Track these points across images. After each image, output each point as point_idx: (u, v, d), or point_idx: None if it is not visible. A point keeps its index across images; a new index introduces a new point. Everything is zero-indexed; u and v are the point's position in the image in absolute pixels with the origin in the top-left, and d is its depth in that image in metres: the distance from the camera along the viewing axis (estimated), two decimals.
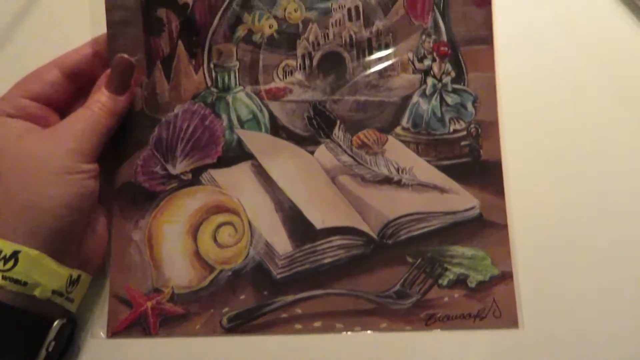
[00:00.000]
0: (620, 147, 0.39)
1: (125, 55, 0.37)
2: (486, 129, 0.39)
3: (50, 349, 0.33)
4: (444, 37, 0.39)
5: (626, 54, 0.40)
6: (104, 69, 0.38)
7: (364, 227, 0.38)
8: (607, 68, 0.39)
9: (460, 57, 0.39)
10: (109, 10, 0.39)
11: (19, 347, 0.33)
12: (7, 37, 0.43)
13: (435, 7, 0.39)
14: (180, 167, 0.39)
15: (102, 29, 0.39)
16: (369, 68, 0.39)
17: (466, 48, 0.39)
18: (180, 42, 0.40)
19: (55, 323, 0.34)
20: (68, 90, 0.38)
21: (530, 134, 0.39)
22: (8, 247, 0.31)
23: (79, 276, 0.35)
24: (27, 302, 0.32)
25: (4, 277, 0.31)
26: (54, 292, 0.33)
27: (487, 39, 0.39)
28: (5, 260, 0.31)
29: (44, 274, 0.33)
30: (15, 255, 0.31)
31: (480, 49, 0.39)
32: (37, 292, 0.32)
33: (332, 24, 0.39)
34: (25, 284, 0.32)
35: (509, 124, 0.39)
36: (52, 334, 0.34)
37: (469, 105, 0.39)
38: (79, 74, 0.38)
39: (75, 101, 0.39)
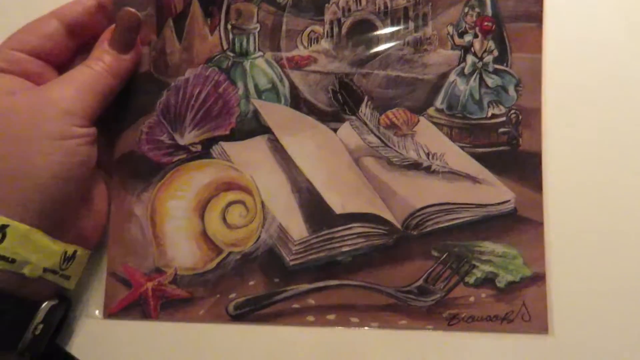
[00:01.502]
0: None
1: (133, 10, 0.34)
2: (528, 116, 0.36)
3: (37, 332, 0.31)
4: (489, 11, 0.36)
5: None
6: (109, 24, 0.35)
7: (387, 215, 0.35)
8: None
9: (505, 34, 0.36)
10: None
11: (1, 331, 0.30)
12: None
13: None
14: (189, 137, 0.36)
15: None
16: (404, 40, 0.36)
17: (512, 25, 0.36)
18: None
19: (44, 304, 0.32)
20: (68, 45, 0.35)
21: (576, 125, 0.36)
22: None
23: (74, 252, 0.32)
24: (15, 281, 0.30)
25: None
26: (45, 269, 0.31)
27: (536, 17, 0.36)
28: None
29: (35, 250, 0.30)
30: (2, 229, 0.29)
31: (528, 26, 0.36)
32: (26, 271, 0.30)
33: None
34: (13, 261, 0.29)
35: (553, 113, 0.36)
36: (39, 315, 0.31)
37: (511, 89, 0.36)
38: (81, 27, 0.35)
39: (75, 58, 0.35)
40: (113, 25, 0.34)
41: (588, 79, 0.36)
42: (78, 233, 0.33)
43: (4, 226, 0.29)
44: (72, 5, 0.35)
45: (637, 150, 0.35)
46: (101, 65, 0.33)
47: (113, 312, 0.35)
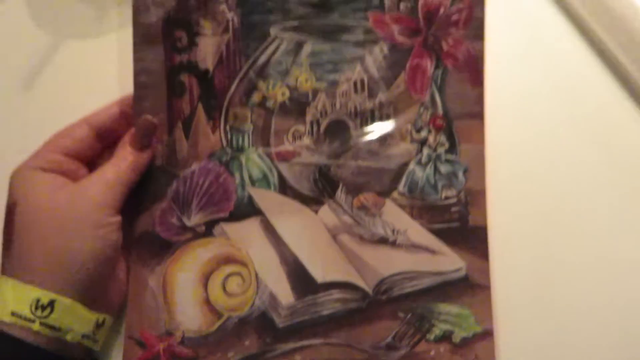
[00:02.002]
0: (601, 215, 0.43)
1: (149, 117, 0.41)
2: (475, 197, 0.42)
3: None
4: (440, 111, 0.43)
5: (614, 128, 0.44)
6: (129, 127, 0.42)
7: (361, 283, 0.41)
8: (592, 140, 0.43)
9: (454, 130, 0.43)
10: (136, 73, 0.42)
11: None
12: (41, 86, 0.46)
13: (433, 83, 0.43)
14: (195, 219, 0.43)
15: (129, 88, 0.42)
16: (371, 136, 0.43)
17: (459, 122, 0.43)
18: (200, 105, 0.43)
19: None
20: (96, 145, 0.41)
21: (515, 203, 0.43)
22: (45, 297, 0.35)
23: (104, 319, 0.39)
24: (59, 345, 0.36)
25: (41, 324, 0.35)
26: (83, 335, 0.37)
27: (478, 115, 0.43)
28: (43, 308, 0.35)
29: (76, 320, 0.36)
30: (51, 303, 0.35)
31: (472, 123, 0.43)
32: (68, 337, 0.36)
33: (339, 95, 0.43)
34: (59, 329, 0.35)
35: (496, 193, 0.43)
36: None
37: (460, 175, 0.43)
38: (107, 131, 0.41)
39: (101, 155, 0.42)
40: (133, 129, 0.41)
41: (524, 164, 0.43)
42: (106, 303, 0.39)
43: (53, 301, 0.35)
44: (99, 112, 0.41)
45: (568, 222, 0.43)
46: (125, 164, 0.39)
47: None
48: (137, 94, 0.42)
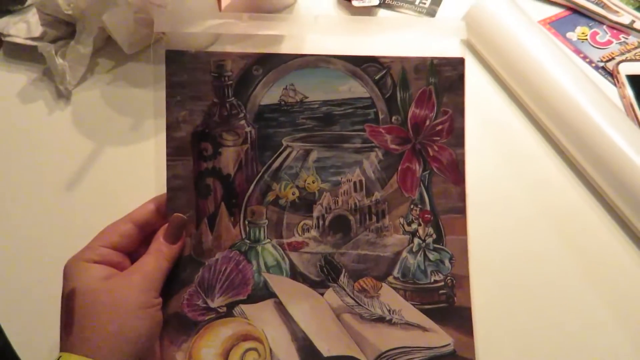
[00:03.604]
0: (573, 295, 0.49)
1: (180, 214, 0.48)
2: (459, 281, 0.49)
3: None
4: (428, 207, 0.50)
5: (577, 220, 0.51)
6: (163, 222, 0.49)
7: (361, 357, 0.47)
8: (558, 230, 0.50)
9: (440, 223, 0.50)
10: (169, 179, 0.50)
11: None
12: (85, 190, 0.54)
13: (421, 183, 0.51)
14: (217, 301, 0.49)
15: (162, 188, 0.50)
16: (369, 229, 0.50)
17: (445, 216, 0.50)
18: (222, 204, 0.50)
19: None
20: (137, 238, 0.48)
21: (495, 287, 0.49)
22: None
23: None
24: None
25: None
26: None
27: (461, 210, 0.50)
28: None
29: None
30: None
31: (456, 217, 0.50)
32: None
33: (341, 194, 0.51)
34: None
35: (478, 278, 0.49)
36: None
37: (447, 262, 0.49)
38: (145, 225, 0.48)
39: (139, 247, 0.49)
40: (167, 224, 0.48)
41: (501, 253, 0.50)
42: None
43: None
44: (140, 210, 0.48)
45: (540, 304, 0.49)
46: (162, 255, 0.46)
47: None
48: (170, 195, 0.50)
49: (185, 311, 0.49)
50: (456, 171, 0.50)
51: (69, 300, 0.43)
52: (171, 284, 0.49)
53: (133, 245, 0.48)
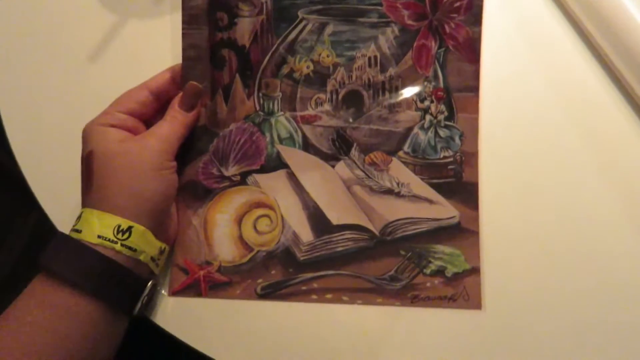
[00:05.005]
0: (579, 180, 0.49)
1: (196, 83, 0.49)
2: (468, 158, 0.50)
3: (144, 301, 0.45)
4: (441, 85, 0.51)
5: (594, 103, 0.50)
6: (178, 91, 0.49)
7: (369, 226, 0.49)
8: (572, 111, 0.50)
9: (453, 101, 0.50)
10: (184, 48, 0.50)
11: (128, 298, 0.44)
12: (104, 58, 0.55)
13: (436, 61, 0.51)
14: (231, 170, 0.50)
15: (179, 60, 0.50)
16: (382, 104, 0.51)
17: (458, 94, 0.50)
18: (237, 75, 0.51)
19: (150, 283, 0.45)
20: (153, 106, 0.49)
21: (502, 164, 0.50)
22: (125, 223, 0.42)
23: (165, 248, 0.46)
24: (134, 264, 0.43)
25: (122, 245, 0.42)
26: (151, 258, 0.44)
27: (474, 89, 0.50)
28: (123, 232, 0.42)
29: (147, 244, 0.44)
30: (129, 229, 0.42)
31: (469, 95, 0.50)
32: (142, 257, 0.43)
33: (355, 69, 0.51)
34: (135, 250, 0.43)
35: (486, 155, 0.50)
36: (147, 290, 0.44)
37: (457, 139, 0.50)
38: (161, 93, 0.49)
39: (155, 114, 0.50)
40: (181, 93, 0.48)
41: (511, 131, 0.51)
42: (165, 235, 0.46)
43: (130, 227, 0.42)
44: (155, 78, 0.49)
45: (547, 182, 0.50)
46: (176, 121, 0.47)
47: (175, 291, 0.49)
48: (185, 64, 0.50)
49: (200, 179, 0.50)
50: (472, 49, 0.50)
51: (87, 161, 0.45)
52: (187, 152, 0.50)
53: (148, 112, 0.49)
